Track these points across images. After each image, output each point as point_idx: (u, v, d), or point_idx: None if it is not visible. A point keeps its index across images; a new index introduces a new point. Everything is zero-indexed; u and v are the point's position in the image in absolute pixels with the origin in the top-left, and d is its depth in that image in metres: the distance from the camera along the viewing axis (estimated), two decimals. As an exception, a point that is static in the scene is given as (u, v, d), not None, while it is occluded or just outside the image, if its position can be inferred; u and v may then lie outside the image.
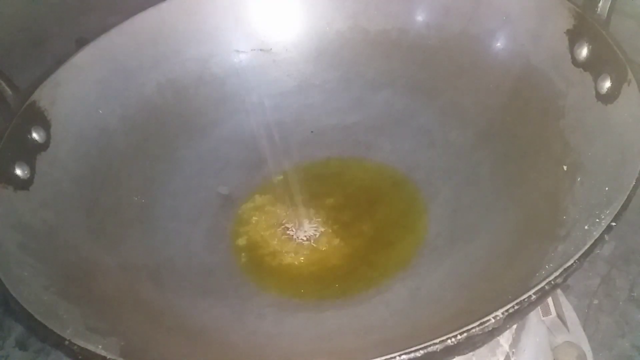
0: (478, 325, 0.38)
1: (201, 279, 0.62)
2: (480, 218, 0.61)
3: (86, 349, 0.41)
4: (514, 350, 0.59)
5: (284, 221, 0.67)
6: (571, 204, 0.51)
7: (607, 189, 0.48)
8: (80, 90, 0.67)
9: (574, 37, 0.58)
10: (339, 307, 0.58)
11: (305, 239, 0.65)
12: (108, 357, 0.40)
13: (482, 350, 0.57)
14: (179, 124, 0.73)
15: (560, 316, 0.73)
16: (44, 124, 0.63)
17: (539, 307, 0.69)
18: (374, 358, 0.37)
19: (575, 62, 0.58)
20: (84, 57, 0.68)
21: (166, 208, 0.67)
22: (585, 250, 0.41)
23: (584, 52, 0.57)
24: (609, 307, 0.83)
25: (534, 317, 0.65)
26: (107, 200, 0.64)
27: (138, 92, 0.72)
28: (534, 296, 0.39)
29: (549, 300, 0.72)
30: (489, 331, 0.38)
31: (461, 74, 0.71)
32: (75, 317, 0.49)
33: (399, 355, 0.37)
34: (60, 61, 0.66)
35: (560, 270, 0.40)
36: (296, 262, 0.63)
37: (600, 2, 0.56)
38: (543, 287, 0.39)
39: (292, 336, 0.55)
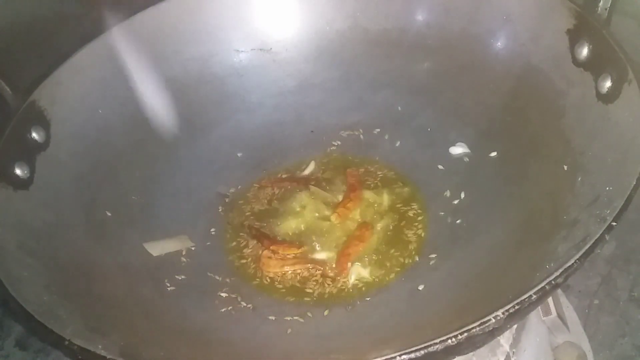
0: (479, 325, 0.38)
1: (201, 278, 0.62)
2: (480, 218, 0.61)
3: (86, 349, 0.41)
4: (514, 350, 0.59)
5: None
6: (572, 204, 0.51)
7: (607, 188, 0.48)
8: (80, 90, 0.67)
9: (575, 36, 0.58)
10: (339, 307, 0.58)
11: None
12: (108, 357, 0.40)
13: (483, 350, 0.57)
14: (179, 124, 0.73)
15: (560, 316, 0.73)
16: (44, 123, 0.63)
17: (539, 307, 0.69)
18: (374, 358, 0.37)
19: (575, 61, 0.58)
20: (84, 57, 0.68)
21: (166, 208, 0.67)
22: (586, 250, 0.41)
23: (584, 51, 0.57)
24: (610, 307, 0.83)
25: (535, 317, 0.65)
26: (107, 200, 0.64)
27: (138, 92, 0.72)
28: (534, 296, 0.39)
29: (550, 300, 0.72)
30: (489, 331, 0.38)
31: (461, 73, 0.71)
32: (75, 317, 0.49)
33: (399, 355, 0.37)
34: (60, 61, 0.66)
35: (560, 270, 0.40)
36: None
37: (601, 2, 0.56)
38: (543, 287, 0.39)
39: (292, 336, 0.55)
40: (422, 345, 0.37)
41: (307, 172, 0.71)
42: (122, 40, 0.71)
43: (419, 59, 0.74)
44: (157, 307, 0.56)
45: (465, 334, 0.37)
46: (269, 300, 0.60)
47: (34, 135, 0.61)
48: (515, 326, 0.59)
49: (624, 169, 0.47)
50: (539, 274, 0.46)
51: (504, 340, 0.59)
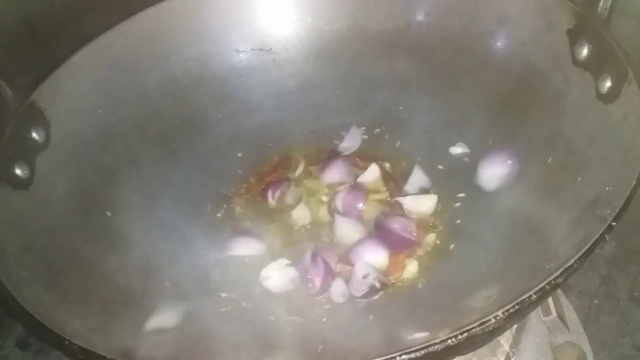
0: (479, 325, 0.38)
1: (201, 278, 0.62)
2: (480, 218, 0.61)
3: (86, 349, 0.41)
4: (514, 350, 0.59)
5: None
6: (572, 204, 0.51)
7: (607, 188, 0.48)
8: (80, 90, 0.67)
9: (575, 36, 0.58)
10: (339, 307, 0.58)
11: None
12: (108, 357, 0.40)
13: (483, 350, 0.57)
14: (179, 124, 0.73)
15: (560, 316, 0.73)
16: (44, 123, 0.63)
17: (539, 307, 0.69)
18: (374, 358, 0.37)
19: (575, 61, 0.58)
20: (84, 57, 0.68)
21: (166, 208, 0.67)
22: (586, 250, 0.41)
23: (584, 51, 0.57)
24: (610, 307, 0.83)
25: (535, 317, 0.65)
26: (107, 200, 0.64)
27: (138, 92, 0.72)
28: (534, 296, 0.39)
29: (550, 300, 0.72)
30: (489, 331, 0.38)
31: (461, 73, 0.71)
32: (75, 317, 0.49)
33: (399, 355, 0.37)
34: (60, 61, 0.66)
35: (560, 270, 0.40)
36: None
37: (601, 2, 0.56)
38: (543, 287, 0.39)
39: (292, 336, 0.55)
40: (422, 345, 0.37)
41: (297, 173, 0.71)
42: (122, 40, 0.71)
43: (419, 59, 0.74)
44: (157, 307, 0.56)
45: (465, 334, 0.37)
46: (269, 300, 0.60)
47: (34, 135, 0.61)
48: (515, 326, 0.59)
49: (624, 169, 0.47)
50: (539, 274, 0.46)
51: (504, 340, 0.59)
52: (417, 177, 0.67)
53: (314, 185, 0.69)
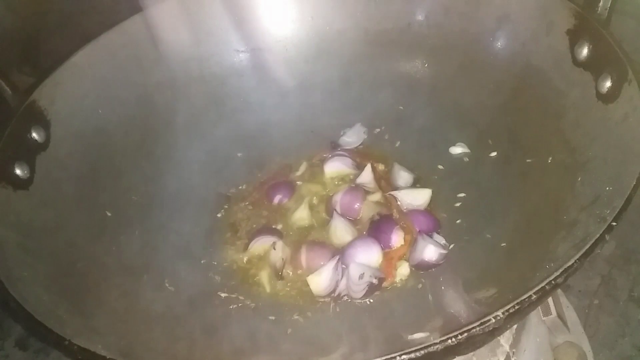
0: (479, 325, 0.38)
1: (201, 278, 0.62)
2: (480, 218, 0.61)
3: (86, 349, 0.41)
4: (514, 350, 0.59)
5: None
6: (572, 204, 0.51)
7: (607, 188, 0.48)
8: (80, 90, 0.67)
9: (575, 36, 0.58)
10: (339, 307, 0.58)
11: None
12: (108, 357, 0.40)
13: (483, 350, 0.57)
14: (179, 124, 0.73)
15: (560, 316, 0.73)
16: (44, 123, 0.63)
17: (539, 307, 0.69)
18: (374, 358, 0.37)
19: (575, 61, 0.58)
20: (83, 57, 0.68)
21: (166, 208, 0.67)
22: (586, 250, 0.41)
23: (584, 51, 0.57)
24: (610, 307, 0.83)
25: (535, 317, 0.65)
26: (107, 200, 0.64)
27: (138, 92, 0.72)
28: (534, 296, 0.39)
29: (550, 300, 0.72)
30: (489, 331, 0.38)
31: (461, 73, 0.71)
32: (75, 317, 0.49)
33: (399, 356, 0.37)
34: (60, 61, 0.66)
35: (560, 270, 0.40)
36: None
37: (601, 2, 0.56)
38: (543, 287, 0.39)
39: (292, 336, 0.55)
40: (422, 345, 0.37)
41: (299, 173, 0.71)
42: (122, 40, 0.71)
43: (419, 59, 0.74)
44: (157, 307, 0.56)
45: (465, 334, 0.37)
46: (269, 300, 0.60)
47: (34, 135, 0.61)
48: (515, 326, 0.59)
49: (624, 169, 0.47)
50: (539, 274, 0.46)
51: (504, 340, 0.59)
52: (402, 176, 0.67)
53: (315, 187, 0.69)
